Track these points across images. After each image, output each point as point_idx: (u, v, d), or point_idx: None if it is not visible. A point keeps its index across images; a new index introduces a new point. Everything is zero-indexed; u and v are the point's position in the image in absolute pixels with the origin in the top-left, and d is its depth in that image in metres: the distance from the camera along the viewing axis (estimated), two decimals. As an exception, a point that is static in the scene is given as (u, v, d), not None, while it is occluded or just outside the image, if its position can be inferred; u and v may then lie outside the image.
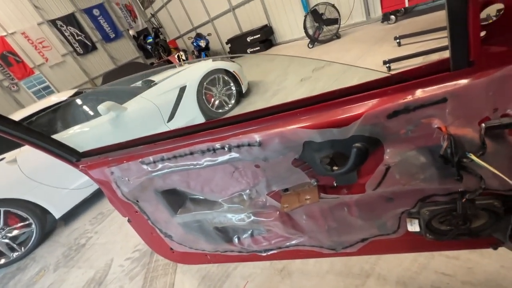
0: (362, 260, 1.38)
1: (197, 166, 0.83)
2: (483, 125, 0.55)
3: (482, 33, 0.52)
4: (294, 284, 1.42)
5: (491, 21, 0.51)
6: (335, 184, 0.76)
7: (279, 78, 4.95)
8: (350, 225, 0.83)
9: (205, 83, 4.07)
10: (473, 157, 0.57)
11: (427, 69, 0.58)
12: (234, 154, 0.76)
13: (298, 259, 1.02)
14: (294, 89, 4.18)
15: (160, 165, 0.87)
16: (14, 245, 2.91)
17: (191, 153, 0.81)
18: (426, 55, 3.00)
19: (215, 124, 0.79)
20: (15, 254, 2.91)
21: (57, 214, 3.02)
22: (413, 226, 0.76)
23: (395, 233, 0.81)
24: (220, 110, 4.32)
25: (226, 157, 0.78)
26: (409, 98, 0.57)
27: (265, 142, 0.71)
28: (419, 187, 0.68)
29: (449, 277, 1.14)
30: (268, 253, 1.01)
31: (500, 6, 0.50)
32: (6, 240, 2.86)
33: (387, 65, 3.21)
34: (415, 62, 3.07)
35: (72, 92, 3.59)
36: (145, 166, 0.88)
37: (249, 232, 1.00)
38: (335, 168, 0.67)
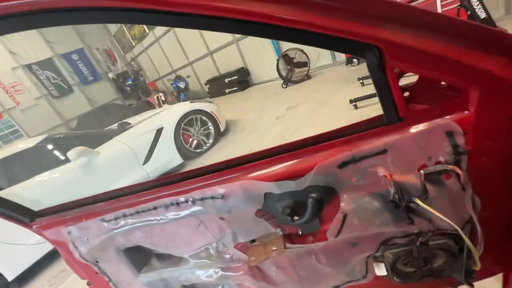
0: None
1: (161, 221, 0.80)
2: (422, 171, 0.60)
3: (406, 94, 0.60)
4: None
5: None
6: (300, 233, 0.76)
7: (256, 116, 5.14)
8: (320, 273, 0.82)
9: (182, 124, 4.11)
10: (418, 201, 0.61)
11: (368, 123, 0.64)
12: (198, 207, 0.76)
13: (272, 313, 0.96)
14: (270, 126, 4.33)
15: (122, 222, 0.83)
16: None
17: (155, 208, 0.79)
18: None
19: (178, 178, 0.79)
20: (-48, 331, 2.46)
21: (9, 276, 2.66)
22: (380, 270, 0.76)
23: (364, 278, 0.81)
24: (198, 150, 4.32)
25: (190, 210, 0.77)
26: (355, 150, 0.62)
27: (228, 194, 0.72)
28: (379, 230, 0.70)
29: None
30: (242, 310, 0.94)
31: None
32: None
33: (353, 103, 3.48)
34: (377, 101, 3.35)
35: (40, 138, 3.44)
36: (105, 224, 0.84)
37: (220, 288, 0.94)
38: (295, 218, 0.68)
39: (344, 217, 0.68)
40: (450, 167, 0.58)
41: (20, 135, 11.09)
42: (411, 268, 0.75)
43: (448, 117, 0.57)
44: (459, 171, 0.58)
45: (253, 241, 0.80)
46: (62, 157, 3.28)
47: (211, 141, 4.47)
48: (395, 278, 0.76)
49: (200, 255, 0.85)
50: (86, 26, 13.16)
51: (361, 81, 4.16)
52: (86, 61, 13.30)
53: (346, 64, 5.83)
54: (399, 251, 0.72)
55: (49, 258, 3.04)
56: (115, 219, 0.83)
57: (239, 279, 0.86)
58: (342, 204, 0.67)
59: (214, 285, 0.93)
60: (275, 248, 0.74)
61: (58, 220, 0.89)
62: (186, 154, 4.10)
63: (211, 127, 4.49)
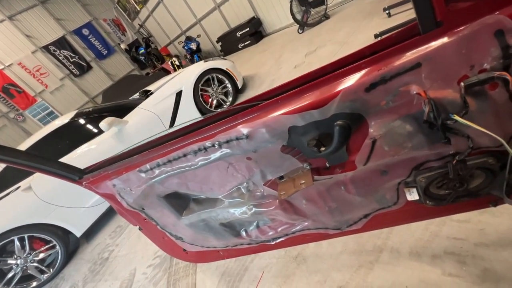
0: (374, 236, 1.38)
1: (192, 167, 0.85)
2: (462, 84, 0.54)
3: (446, -9, 0.51)
4: (310, 269, 1.44)
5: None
6: (327, 165, 0.76)
7: (273, 68, 4.92)
8: (349, 203, 0.84)
9: (200, 85, 4.08)
10: (456, 117, 0.57)
11: (398, 37, 0.57)
12: (225, 150, 0.78)
13: (306, 243, 1.03)
14: (289, 77, 4.14)
15: (157, 171, 0.89)
16: (43, 268, 3.03)
17: (184, 155, 0.83)
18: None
19: (203, 123, 0.80)
20: (45, 276, 3.03)
21: (78, 233, 3.13)
22: (412, 195, 0.76)
23: (395, 204, 0.81)
24: (219, 110, 4.32)
25: (218, 154, 0.79)
26: (384, 68, 0.57)
27: (252, 133, 0.72)
28: (410, 155, 0.68)
29: (461, 241, 1.14)
30: (277, 241, 1.03)
31: None
32: (35, 264, 2.99)
33: (379, 38, 3.14)
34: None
35: (73, 113, 3.66)
36: (143, 174, 0.91)
37: (255, 224, 1.02)
38: (322, 149, 0.68)
39: (373, 143, 0.66)
40: (497, 73, 0.52)
41: (56, 116, 11.89)
42: (445, 191, 0.73)
43: (498, 12, 0.48)
44: (508, 77, 0.51)
45: (281, 178, 0.83)
46: (95, 130, 3.50)
47: (230, 99, 4.44)
48: (428, 202, 0.75)
49: (233, 195, 0.91)
50: (89, -4, 12.73)
51: (387, 11, 3.68)
52: (97, 34, 13.17)
53: (370, -5, 5.13)
54: (433, 174, 0.70)
55: (105, 217, 3.48)
56: (151, 169, 0.89)
57: (271, 214, 0.92)
58: (370, 130, 0.65)
59: (249, 221, 1.01)
60: (303, 182, 0.76)
61: (103, 175, 0.98)
62: (208, 115, 4.15)
63: (229, 85, 4.42)
